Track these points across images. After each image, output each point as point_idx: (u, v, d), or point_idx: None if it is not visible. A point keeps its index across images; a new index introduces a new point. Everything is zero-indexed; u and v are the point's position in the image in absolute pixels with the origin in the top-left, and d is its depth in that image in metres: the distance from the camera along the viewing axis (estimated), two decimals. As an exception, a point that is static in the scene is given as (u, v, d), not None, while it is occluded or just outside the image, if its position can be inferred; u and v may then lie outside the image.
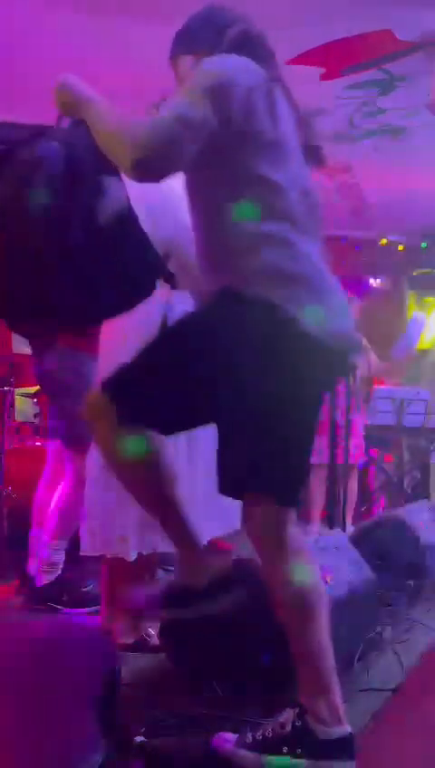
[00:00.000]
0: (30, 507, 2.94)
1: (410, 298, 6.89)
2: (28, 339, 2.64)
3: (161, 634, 2.14)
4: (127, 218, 1.65)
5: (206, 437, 2.24)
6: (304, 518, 4.70)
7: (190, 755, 1.58)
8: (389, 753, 1.77)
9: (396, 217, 6.10)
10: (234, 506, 2.26)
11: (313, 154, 1.69)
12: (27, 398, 4.39)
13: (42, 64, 3.53)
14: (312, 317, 1.50)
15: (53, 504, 2.82)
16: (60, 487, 2.82)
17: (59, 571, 2.78)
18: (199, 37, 1.74)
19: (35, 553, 2.83)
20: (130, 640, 2.27)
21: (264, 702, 1.82)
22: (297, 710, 1.55)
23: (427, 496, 5.27)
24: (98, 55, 3.50)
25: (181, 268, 2.05)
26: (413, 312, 6.26)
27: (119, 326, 2.21)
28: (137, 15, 3.32)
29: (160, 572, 2.75)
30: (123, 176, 1.61)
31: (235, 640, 1.92)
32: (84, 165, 1.59)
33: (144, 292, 1.73)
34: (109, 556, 2.23)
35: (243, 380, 1.51)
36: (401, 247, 6.52)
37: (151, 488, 1.65)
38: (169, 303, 2.09)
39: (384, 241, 6.48)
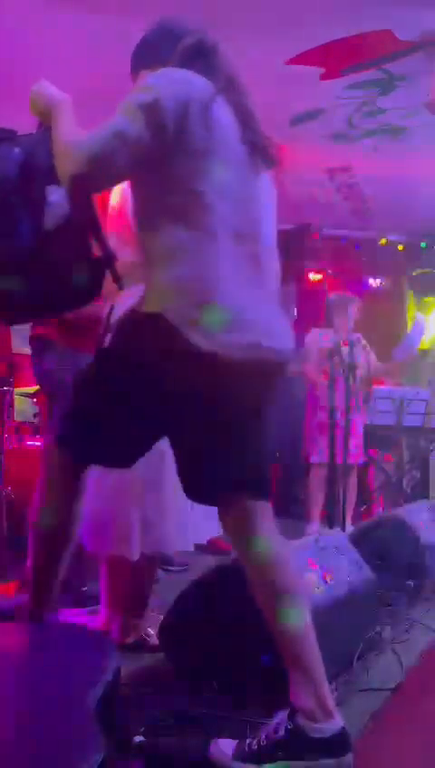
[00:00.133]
0: (29, 507, 2.94)
1: (410, 298, 6.89)
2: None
3: (161, 634, 2.14)
4: (70, 225, 1.69)
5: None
6: (305, 518, 4.70)
7: (190, 755, 1.58)
8: (388, 752, 1.77)
9: (396, 217, 6.10)
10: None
11: (262, 156, 1.72)
12: (26, 398, 4.39)
13: (42, 64, 3.53)
14: (211, 332, 1.53)
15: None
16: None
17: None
18: (154, 51, 1.79)
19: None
20: (129, 640, 2.28)
21: (264, 702, 1.82)
22: (288, 711, 1.55)
23: (426, 496, 5.28)
24: (98, 55, 3.50)
25: None
26: (416, 314, 6.27)
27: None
28: (137, 16, 3.32)
29: (160, 572, 2.76)
30: None
31: (235, 640, 1.92)
32: (38, 171, 1.65)
33: (85, 295, 1.76)
34: (114, 555, 2.23)
35: (164, 398, 1.60)
36: (400, 247, 6.52)
37: (61, 548, 1.75)
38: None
39: (384, 241, 6.48)
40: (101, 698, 1.41)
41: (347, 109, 4.25)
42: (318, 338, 4.55)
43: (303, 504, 5.04)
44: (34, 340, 2.71)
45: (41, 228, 1.65)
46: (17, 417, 4.46)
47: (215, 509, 2.24)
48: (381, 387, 5.06)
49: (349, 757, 1.52)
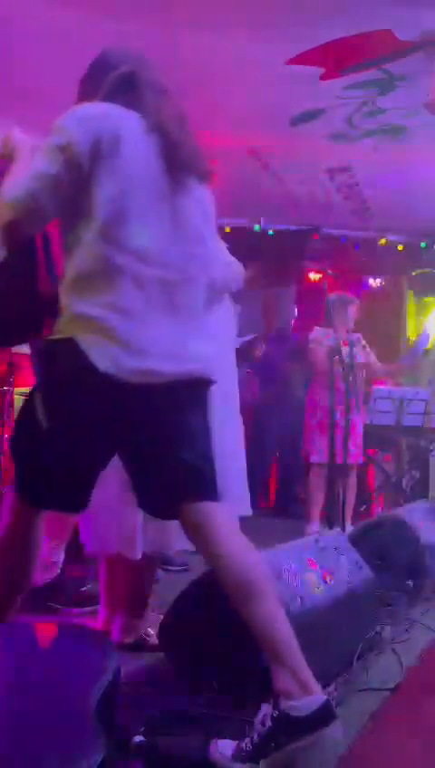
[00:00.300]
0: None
1: (410, 298, 6.89)
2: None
3: (161, 634, 2.14)
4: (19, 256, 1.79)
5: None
6: (305, 518, 4.70)
7: (190, 755, 1.58)
8: (388, 752, 1.77)
9: (396, 217, 6.10)
10: (234, 508, 2.28)
11: (191, 175, 1.79)
12: (27, 398, 4.38)
13: (42, 63, 3.53)
14: (114, 357, 1.63)
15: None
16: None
17: (58, 571, 2.79)
18: (91, 81, 1.87)
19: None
20: (129, 640, 2.28)
21: (264, 702, 1.82)
22: (271, 701, 1.57)
23: (426, 496, 5.28)
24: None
25: None
26: (424, 326, 6.33)
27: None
28: (137, 15, 3.32)
29: (160, 572, 2.76)
30: None
31: (235, 640, 1.92)
32: None
33: (31, 327, 1.83)
34: (114, 555, 2.23)
35: (87, 424, 1.69)
36: (400, 247, 6.51)
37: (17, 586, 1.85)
38: None
39: (384, 241, 6.47)
40: (101, 698, 1.41)
41: (347, 109, 4.25)
42: (322, 335, 4.56)
43: (303, 504, 5.04)
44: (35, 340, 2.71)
45: None
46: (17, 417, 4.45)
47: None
48: (381, 387, 5.07)
49: (332, 727, 1.54)
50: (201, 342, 1.81)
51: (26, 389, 4.26)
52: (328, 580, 2.15)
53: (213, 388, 2.19)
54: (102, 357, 1.62)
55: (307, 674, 1.58)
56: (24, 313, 1.83)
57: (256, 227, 6.19)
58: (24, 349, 3.29)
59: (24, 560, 1.81)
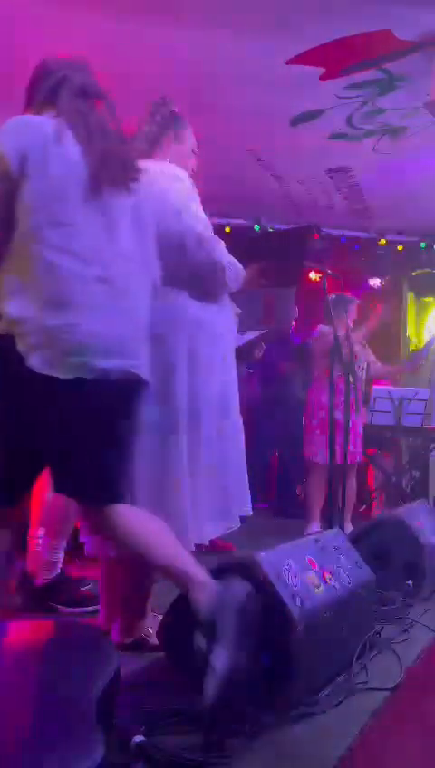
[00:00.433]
0: (28, 506, 2.94)
1: (410, 298, 6.89)
2: None
3: (161, 634, 2.14)
4: None
5: (208, 446, 2.26)
6: (305, 518, 4.70)
7: (190, 755, 1.58)
8: (388, 752, 1.77)
9: (396, 217, 6.10)
10: (234, 508, 2.29)
11: (119, 181, 1.89)
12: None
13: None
14: (50, 355, 1.73)
15: (51, 503, 2.82)
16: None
17: (58, 570, 2.79)
18: (31, 91, 1.98)
19: (34, 552, 2.83)
20: (129, 640, 2.28)
21: (264, 702, 1.82)
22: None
23: (426, 496, 5.28)
24: (98, 55, 3.50)
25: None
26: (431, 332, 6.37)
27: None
28: (137, 15, 3.32)
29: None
30: None
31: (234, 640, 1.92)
32: None
33: None
34: (114, 555, 2.23)
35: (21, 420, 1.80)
36: (400, 247, 6.51)
37: None
38: None
39: (384, 241, 6.48)
40: (101, 698, 1.41)
41: (347, 109, 4.25)
42: (327, 331, 4.56)
43: (303, 504, 5.04)
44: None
45: None
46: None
47: (217, 511, 2.27)
48: (381, 387, 5.07)
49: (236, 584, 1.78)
50: (138, 342, 1.90)
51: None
52: (328, 580, 2.15)
53: (213, 387, 2.21)
54: (37, 356, 1.72)
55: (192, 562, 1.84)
56: None
57: (256, 227, 6.19)
58: None
59: None
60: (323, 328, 4.67)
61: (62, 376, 1.73)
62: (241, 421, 2.43)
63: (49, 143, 1.79)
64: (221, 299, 2.36)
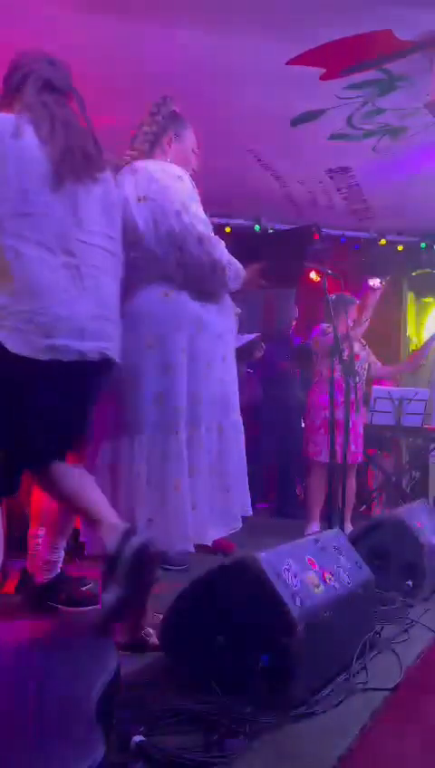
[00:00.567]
0: (29, 506, 2.94)
1: (410, 298, 6.88)
2: None
3: (161, 634, 2.14)
4: None
5: (209, 446, 2.26)
6: (305, 518, 4.70)
7: (190, 755, 1.58)
8: (388, 752, 1.77)
9: (396, 217, 6.09)
10: (235, 508, 2.29)
11: (84, 171, 1.97)
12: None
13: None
14: (18, 340, 1.82)
15: (50, 503, 2.82)
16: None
17: (58, 570, 2.79)
18: (4, 84, 2.05)
19: (34, 552, 2.83)
20: (129, 640, 2.28)
21: (264, 702, 1.82)
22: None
23: (426, 496, 5.28)
24: (98, 55, 3.51)
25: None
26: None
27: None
28: (137, 15, 3.32)
29: (160, 572, 2.76)
30: None
31: (235, 640, 1.92)
32: None
33: None
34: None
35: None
36: (400, 247, 6.51)
37: None
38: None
39: (384, 241, 6.47)
40: (101, 698, 1.41)
41: (347, 109, 4.25)
42: (327, 332, 4.56)
43: (303, 504, 5.04)
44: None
45: None
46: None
47: (218, 511, 2.27)
48: (381, 387, 5.07)
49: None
50: (109, 324, 2.00)
51: None
52: (328, 580, 2.15)
53: (213, 387, 2.23)
54: (15, 341, 1.82)
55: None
56: None
57: (257, 227, 6.18)
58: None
59: None
60: (323, 328, 4.67)
61: (40, 357, 1.84)
62: (241, 421, 2.44)
63: (6, 138, 1.87)
64: (221, 299, 2.36)
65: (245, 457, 2.42)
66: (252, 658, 1.88)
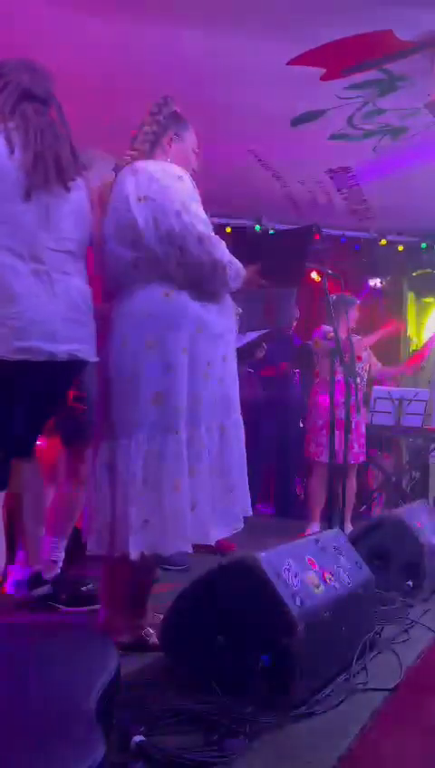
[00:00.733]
0: (28, 506, 2.94)
1: (410, 298, 6.89)
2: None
3: (161, 634, 2.14)
4: None
5: (209, 446, 2.25)
6: (305, 518, 4.70)
7: (190, 755, 1.58)
8: (388, 752, 1.77)
9: (396, 217, 6.10)
10: (236, 509, 2.29)
11: (58, 180, 2.03)
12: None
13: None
14: None
15: (51, 502, 2.83)
16: (58, 485, 2.82)
17: (58, 570, 2.79)
18: None
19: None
20: (129, 640, 2.28)
21: (264, 702, 1.82)
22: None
23: (426, 496, 5.28)
24: (98, 56, 3.51)
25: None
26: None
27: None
28: (137, 15, 3.32)
29: (160, 572, 2.76)
30: None
31: (235, 640, 1.92)
32: None
33: None
34: (114, 555, 2.23)
35: None
36: (400, 247, 6.51)
37: None
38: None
39: (384, 241, 6.47)
40: (101, 698, 1.41)
41: (347, 109, 4.25)
42: (327, 332, 4.56)
43: (303, 505, 5.04)
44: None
45: None
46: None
47: (220, 512, 2.27)
48: (381, 387, 5.07)
49: None
50: (81, 326, 2.07)
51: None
52: (328, 579, 2.15)
53: (213, 387, 2.23)
54: None
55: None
56: None
57: (257, 227, 6.18)
58: None
59: None
60: (324, 328, 4.67)
61: (11, 357, 1.91)
62: (241, 421, 2.44)
63: None
64: (222, 298, 2.36)
65: (245, 457, 2.42)
66: (252, 658, 1.88)
